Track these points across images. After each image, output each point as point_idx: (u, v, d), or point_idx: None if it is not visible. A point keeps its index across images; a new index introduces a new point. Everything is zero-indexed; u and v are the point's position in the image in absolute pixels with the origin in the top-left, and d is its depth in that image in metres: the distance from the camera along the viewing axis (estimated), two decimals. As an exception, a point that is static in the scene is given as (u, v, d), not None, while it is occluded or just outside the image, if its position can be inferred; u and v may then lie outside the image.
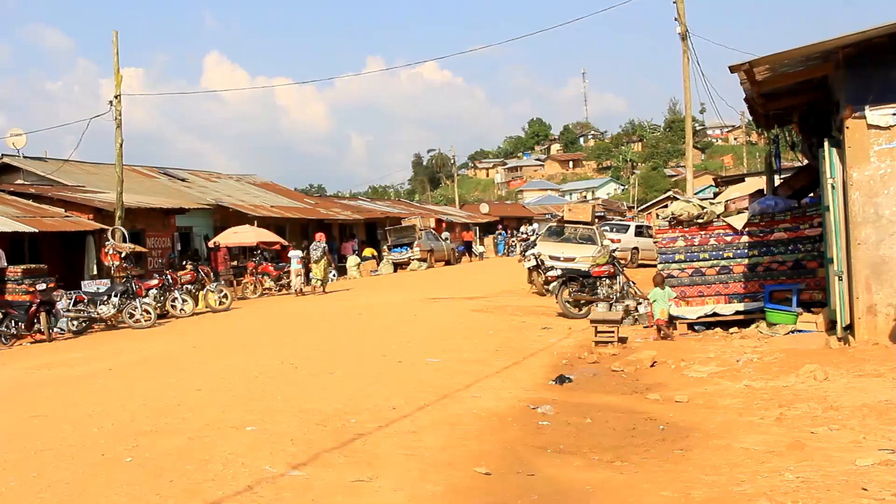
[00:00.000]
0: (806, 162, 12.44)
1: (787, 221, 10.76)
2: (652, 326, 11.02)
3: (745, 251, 10.96)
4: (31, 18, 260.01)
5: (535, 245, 20.36)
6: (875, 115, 8.13)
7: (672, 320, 11.26)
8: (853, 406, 6.04)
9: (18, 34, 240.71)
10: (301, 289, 21.88)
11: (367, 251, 33.83)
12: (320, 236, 23.02)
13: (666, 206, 23.59)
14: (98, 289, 16.78)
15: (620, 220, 37.47)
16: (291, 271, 22.20)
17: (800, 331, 9.47)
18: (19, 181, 24.01)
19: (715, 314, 10.94)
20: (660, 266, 11.56)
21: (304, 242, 25.61)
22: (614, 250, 17.00)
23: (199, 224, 26.11)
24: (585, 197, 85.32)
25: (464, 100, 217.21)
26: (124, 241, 18.96)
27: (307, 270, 22.49)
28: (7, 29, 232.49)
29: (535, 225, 38.44)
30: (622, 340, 10.73)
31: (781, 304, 10.23)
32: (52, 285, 15.65)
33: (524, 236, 35.41)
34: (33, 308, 14.81)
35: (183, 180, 31.49)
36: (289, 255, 22.73)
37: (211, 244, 23.60)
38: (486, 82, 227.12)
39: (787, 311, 9.91)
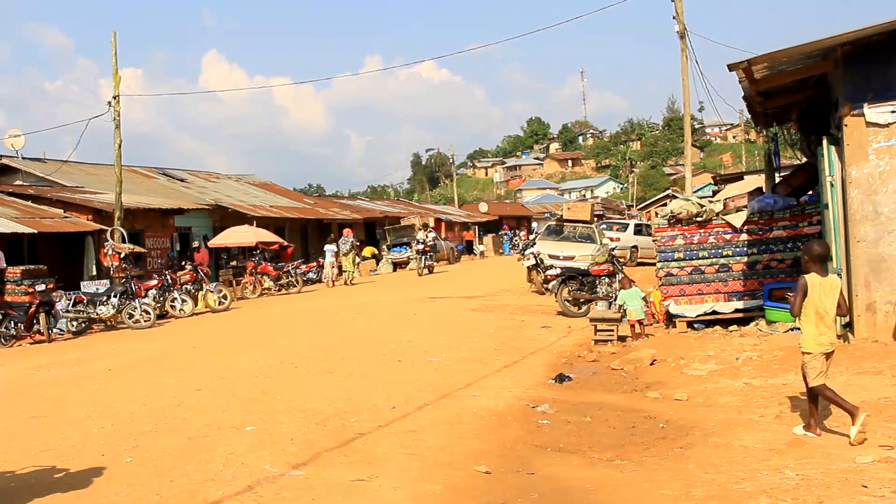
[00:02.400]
0: (805, 160, 12.45)
1: (786, 219, 10.77)
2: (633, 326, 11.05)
3: (745, 249, 10.97)
4: (30, 17, 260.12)
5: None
6: (874, 112, 8.13)
7: (671, 318, 11.27)
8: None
9: (17, 33, 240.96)
10: (333, 281, 24.13)
11: (368, 250, 33.82)
12: (348, 231, 24.88)
13: (665, 205, 23.59)
14: (97, 289, 16.77)
15: (620, 219, 37.41)
16: (326, 264, 24.37)
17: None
18: (18, 182, 24.00)
19: (714, 312, 10.94)
20: (659, 264, 11.57)
21: (330, 236, 27.44)
22: (613, 249, 17.02)
23: (199, 224, 26.09)
24: (584, 196, 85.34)
25: (462, 99, 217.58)
26: (123, 241, 18.95)
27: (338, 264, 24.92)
28: (5, 28, 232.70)
29: (433, 233, 30.06)
30: (621, 339, 10.75)
31: (781, 301, 10.22)
32: (51, 286, 15.65)
33: (422, 246, 26.74)
34: (33, 309, 14.80)
35: (182, 180, 31.48)
36: (324, 248, 25.12)
37: (194, 244, 23.61)
38: (485, 81, 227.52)
39: (787, 309, 9.87)
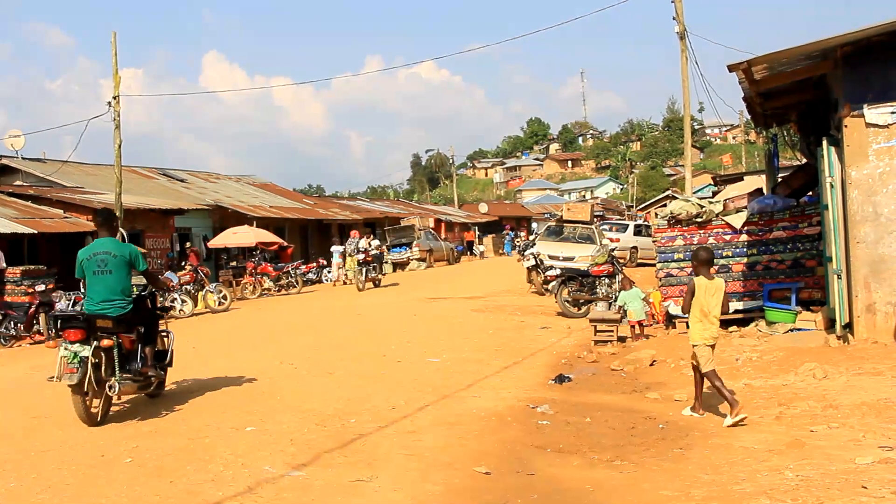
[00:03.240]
0: (805, 161, 12.45)
1: (786, 220, 10.76)
2: (634, 327, 11.07)
3: (744, 250, 10.97)
4: (30, 16, 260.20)
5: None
6: (874, 113, 8.13)
7: (671, 318, 11.26)
8: (852, 404, 6.05)
9: (17, 32, 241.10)
10: (344, 280, 24.86)
11: None
12: (355, 233, 25.01)
13: (665, 206, 23.57)
14: (97, 290, 16.74)
15: (619, 220, 37.42)
16: (333, 264, 25.63)
17: (799, 329, 9.46)
18: (18, 182, 24.02)
19: (714, 313, 10.92)
20: (658, 265, 11.57)
21: (334, 238, 29.33)
22: (613, 249, 17.02)
23: (198, 225, 26.11)
24: (584, 196, 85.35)
25: (462, 99, 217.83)
26: (123, 241, 18.93)
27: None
28: (6, 27, 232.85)
29: (377, 241, 24.56)
30: (621, 339, 10.74)
31: (780, 302, 10.23)
32: (51, 286, 15.64)
33: (362, 257, 21.89)
34: (33, 309, 14.79)
35: (182, 181, 31.49)
36: (331, 249, 26.47)
37: (187, 246, 23.61)
38: (485, 82, 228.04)
39: (786, 310, 9.91)
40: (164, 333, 7.84)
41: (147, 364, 7.06)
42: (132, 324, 7.03)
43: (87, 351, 6.59)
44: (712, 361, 6.30)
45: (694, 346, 6.39)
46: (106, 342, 6.73)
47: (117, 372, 6.76)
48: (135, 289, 7.26)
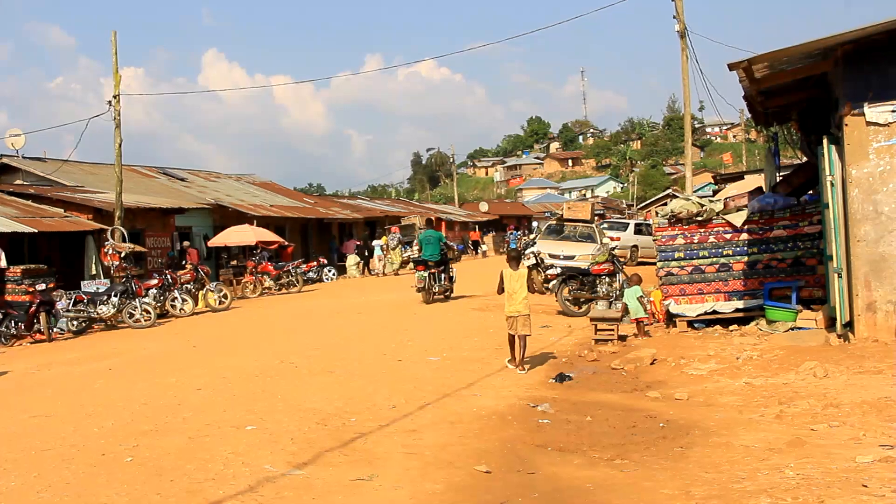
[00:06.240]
0: (805, 159, 12.44)
1: (787, 219, 10.75)
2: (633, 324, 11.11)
3: (745, 249, 10.96)
4: (31, 16, 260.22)
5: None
6: (874, 112, 8.13)
7: (671, 317, 11.26)
8: (853, 403, 6.05)
9: (18, 32, 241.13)
10: (382, 271, 28.58)
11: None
12: (395, 229, 29.41)
13: (665, 205, 23.54)
14: (98, 289, 16.78)
15: (620, 218, 37.41)
16: (375, 257, 29.55)
17: (799, 328, 9.47)
18: (18, 181, 24.01)
19: (714, 312, 10.93)
20: (659, 264, 11.56)
21: (378, 232, 32.84)
22: (614, 248, 17.02)
23: (199, 224, 26.09)
24: (585, 195, 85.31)
25: (463, 98, 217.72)
26: (124, 240, 18.95)
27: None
28: (7, 27, 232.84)
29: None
30: (622, 338, 10.73)
31: (781, 301, 10.23)
32: (51, 285, 15.66)
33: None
34: (33, 308, 14.80)
35: (182, 180, 31.47)
36: (373, 243, 30.47)
37: (185, 245, 23.61)
38: (486, 81, 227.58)
39: (787, 309, 9.91)
40: (452, 270, 16.58)
41: (445, 282, 16.22)
42: (440, 264, 16.10)
43: (426, 273, 15.77)
44: (512, 329, 8.79)
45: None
46: (432, 270, 15.87)
47: (435, 283, 15.95)
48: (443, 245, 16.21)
